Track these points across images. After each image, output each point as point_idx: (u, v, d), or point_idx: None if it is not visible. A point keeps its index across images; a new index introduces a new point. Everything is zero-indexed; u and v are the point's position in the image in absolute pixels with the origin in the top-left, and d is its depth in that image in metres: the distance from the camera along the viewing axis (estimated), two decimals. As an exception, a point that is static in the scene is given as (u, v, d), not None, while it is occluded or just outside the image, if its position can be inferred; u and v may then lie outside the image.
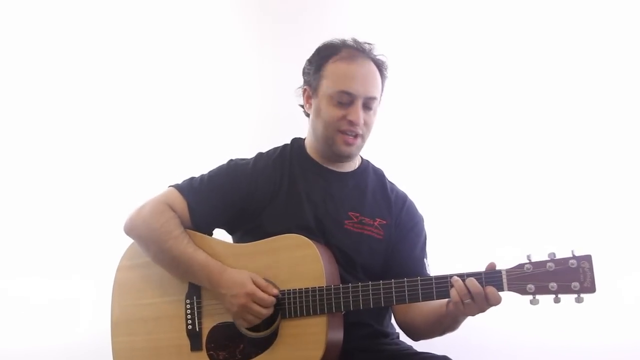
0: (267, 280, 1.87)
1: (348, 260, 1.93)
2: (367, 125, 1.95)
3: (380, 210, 2.02)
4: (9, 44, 2.86)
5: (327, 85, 1.94)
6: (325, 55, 1.97)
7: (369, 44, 1.98)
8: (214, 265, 1.89)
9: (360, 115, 1.91)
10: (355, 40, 1.98)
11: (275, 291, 1.83)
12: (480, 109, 2.71)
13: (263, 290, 1.82)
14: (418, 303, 1.85)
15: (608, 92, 2.59)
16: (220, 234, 2.04)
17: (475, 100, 2.71)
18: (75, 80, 2.88)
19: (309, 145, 2.06)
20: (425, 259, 2.02)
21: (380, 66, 1.98)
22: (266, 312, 1.82)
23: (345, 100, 1.92)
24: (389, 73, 2.02)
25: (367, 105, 1.94)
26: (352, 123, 1.91)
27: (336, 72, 1.94)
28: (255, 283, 1.83)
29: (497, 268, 1.68)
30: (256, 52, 2.99)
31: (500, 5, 2.73)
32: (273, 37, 2.97)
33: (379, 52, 1.99)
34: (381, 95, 2.00)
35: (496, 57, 2.70)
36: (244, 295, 1.82)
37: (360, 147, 1.99)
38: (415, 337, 1.98)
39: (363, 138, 1.96)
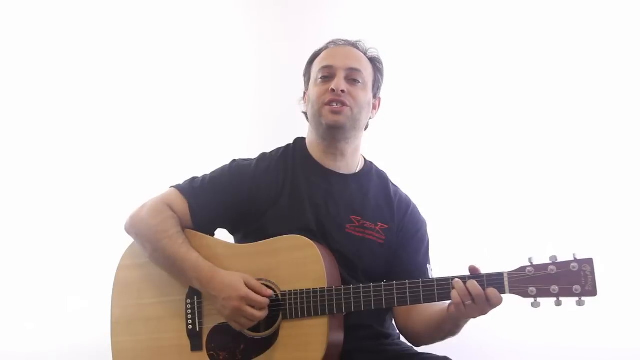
0: (267, 280, 1.87)
1: (349, 264, 1.93)
2: (354, 97, 1.95)
3: (383, 214, 2.01)
4: (9, 44, 2.86)
5: (313, 73, 2.02)
6: (313, 56, 2.06)
7: (358, 41, 2.05)
8: (205, 267, 1.88)
9: (341, 82, 1.94)
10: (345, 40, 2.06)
11: (268, 292, 1.82)
12: (482, 112, 2.72)
13: (256, 292, 1.81)
14: (419, 308, 1.87)
15: (609, 95, 2.60)
16: (222, 235, 2.04)
17: (478, 103, 2.72)
18: (75, 80, 2.89)
19: (309, 145, 2.07)
20: (428, 265, 2.02)
21: (370, 59, 2.03)
22: (259, 314, 1.81)
23: (326, 73, 1.97)
24: (390, 71, 2.07)
25: (352, 77, 1.97)
26: (333, 91, 1.93)
27: (318, 60, 2.03)
28: (247, 285, 1.82)
29: (500, 271, 1.68)
30: (256, 51, 2.99)
31: (502, 6, 2.73)
32: (273, 36, 2.98)
33: (370, 47, 2.05)
34: (374, 83, 2.02)
35: (500, 61, 2.71)
36: (237, 298, 1.80)
37: (350, 119, 1.95)
38: (417, 343, 1.97)
39: (352, 110, 1.95)
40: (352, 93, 1.95)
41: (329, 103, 1.94)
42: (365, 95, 1.98)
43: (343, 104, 1.94)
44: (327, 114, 1.95)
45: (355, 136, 2.01)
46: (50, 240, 2.80)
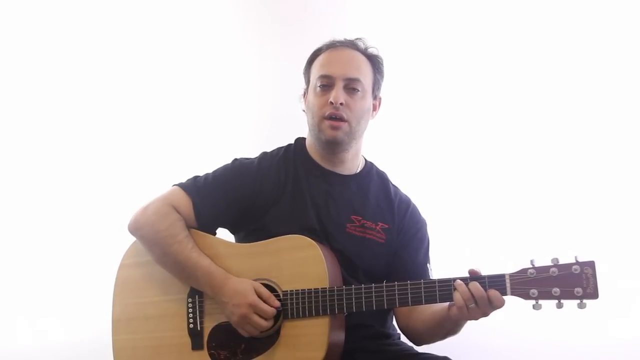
0: (268, 280, 1.87)
1: (350, 264, 1.93)
2: (351, 109, 1.94)
3: (383, 214, 2.01)
4: (10, 44, 2.85)
5: (312, 79, 2.00)
6: (313, 56, 2.04)
7: (359, 38, 2.02)
8: (217, 273, 1.89)
9: (339, 95, 1.92)
10: (344, 38, 2.03)
11: (277, 303, 1.82)
12: (483, 112, 2.71)
13: (265, 301, 1.82)
14: (420, 308, 1.87)
15: (609, 97, 2.60)
16: (223, 234, 2.04)
17: (479, 103, 2.72)
18: (78, 81, 2.89)
19: (309, 146, 2.07)
20: (428, 264, 2.02)
21: (369, 57, 2.01)
22: (266, 324, 1.82)
23: (325, 83, 1.95)
24: (390, 72, 2.05)
25: (351, 87, 1.95)
26: (332, 104, 1.92)
27: (318, 63, 2.00)
28: (257, 293, 1.83)
29: (501, 272, 1.68)
30: (256, 52, 2.98)
31: (502, 6, 2.73)
32: (273, 37, 2.97)
33: (370, 45, 2.02)
34: (374, 85, 2.01)
35: (502, 62, 2.70)
36: (245, 305, 1.81)
37: (348, 134, 1.95)
38: (418, 342, 1.97)
39: (350, 124, 1.94)
40: (351, 105, 1.94)
41: (329, 117, 1.93)
42: (364, 104, 1.97)
43: (341, 119, 1.93)
44: (326, 129, 1.94)
45: (355, 144, 2.01)
46: (52, 238, 2.80)
